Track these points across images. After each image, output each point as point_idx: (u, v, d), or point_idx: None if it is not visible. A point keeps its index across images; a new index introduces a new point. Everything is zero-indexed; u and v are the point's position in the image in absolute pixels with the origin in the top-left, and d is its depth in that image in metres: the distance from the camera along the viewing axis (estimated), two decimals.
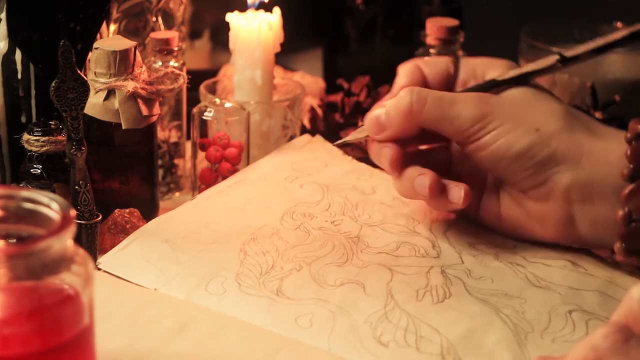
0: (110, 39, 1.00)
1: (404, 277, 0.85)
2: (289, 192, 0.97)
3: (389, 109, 0.88)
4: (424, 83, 0.91)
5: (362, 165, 1.03)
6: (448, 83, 0.92)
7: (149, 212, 1.01)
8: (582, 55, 0.87)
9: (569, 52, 0.87)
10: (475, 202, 0.91)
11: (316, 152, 1.05)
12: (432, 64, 0.92)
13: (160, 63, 1.08)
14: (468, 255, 0.88)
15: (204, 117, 1.06)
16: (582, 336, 0.79)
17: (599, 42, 0.87)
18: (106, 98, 0.96)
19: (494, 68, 0.90)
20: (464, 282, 0.85)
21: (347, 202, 0.96)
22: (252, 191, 0.98)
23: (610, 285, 0.85)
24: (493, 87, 0.88)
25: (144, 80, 0.97)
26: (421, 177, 0.87)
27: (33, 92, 0.98)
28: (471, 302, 0.82)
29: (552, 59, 0.88)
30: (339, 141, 0.94)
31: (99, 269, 0.86)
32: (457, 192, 0.87)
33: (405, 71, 0.92)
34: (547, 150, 0.85)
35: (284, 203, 0.95)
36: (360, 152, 1.08)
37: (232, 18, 1.11)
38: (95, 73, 0.96)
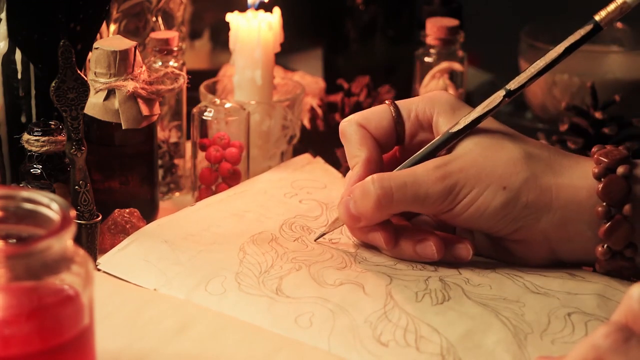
0: (110, 39, 1.00)
1: (403, 281, 0.85)
2: (289, 205, 0.97)
3: (358, 203, 0.86)
4: (373, 142, 0.89)
5: None
6: (396, 132, 0.90)
7: (149, 212, 1.01)
8: (527, 83, 0.87)
9: (513, 84, 0.87)
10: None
11: (316, 173, 1.05)
12: (374, 120, 0.90)
13: (160, 63, 1.08)
14: (465, 268, 0.88)
15: (204, 117, 1.06)
16: (581, 337, 0.79)
17: (539, 64, 0.86)
18: (106, 98, 0.96)
19: (437, 112, 0.89)
20: (463, 288, 0.85)
21: None
22: (252, 202, 0.98)
23: (608, 289, 0.85)
24: (448, 142, 0.87)
25: (144, 80, 0.97)
26: (423, 244, 0.88)
27: (33, 92, 0.98)
28: (470, 305, 0.82)
29: (498, 95, 0.87)
30: (318, 235, 0.91)
31: (99, 269, 0.86)
32: (465, 250, 0.88)
33: (353, 139, 0.89)
34: (519, 205, 0.85)
35: (284, 214, 0.95)
36: None
37: (232, 18, 1.11)
38: (95, 73, 0.96)
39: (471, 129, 0.87)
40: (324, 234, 0.91)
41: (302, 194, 1.00)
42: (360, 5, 1.32)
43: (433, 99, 0.90)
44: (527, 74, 0.87)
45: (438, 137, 0.88)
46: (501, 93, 0.87)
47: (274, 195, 0.99)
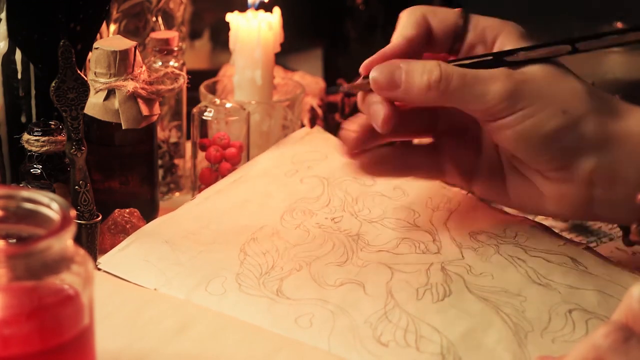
0: (110, 39, 1.00)
1: (404, 275, 0.85)
2: (289, 187, 0.97)
3: (412, 74, 0.83)
4: (428, 34, 0.86)
5: None
6: (454, 39, 0.87)
7: (149, 212, 1.01)
8: (594, 48, 0.84)
9: (583, 46, 0.84)
10: (480, 179, 0.89)
11: (315, 143, 1.04)
12: (441, 17, 0.86)
13: (160, 63, 1.08)
14: (469, 249, 0.88)
15: (204, 117, 1.06)
16: (582, 336, 0.79)
17: (612, 38, 0.84)
18: (106, 98, 0.96)
19: (504, 34, 0.86)
20: (464, 279, 0.84)
21: (347, 195, 0.96)
22: (252, 189, 0.97)
23: (609, 284, 0.85)
24: (503, 64, 0.84)
25: (144, 80, 0.97)
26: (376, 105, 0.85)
27: (33, 92, 0.98)
28: (471, 301, 0.82)
29: (564, 48, 0.84)
30: (336, 88, 0.88)
31: (99, 269, 0.86)
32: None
33: (410, 20, 0.86)
34: (574, 134, 0.82)
35: (284, 200, 0.95)
36: None
37: (232, 18, 1.11)
38: (95, 73, 0.96)
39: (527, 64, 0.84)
40: (343, 90, 0.89)
41: (303, 169, 0.99)
42: (360, 5, 1.32)
43: (506, 23, 0.87)
44: (600, 43, 0.84)
45: (489, 57, 0.85)
46: (567, 48, 0.84)
47: (274, 176, 0.98)
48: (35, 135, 0.92)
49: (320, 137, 1.06)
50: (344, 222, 0.92)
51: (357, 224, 0.92)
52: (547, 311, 0.81)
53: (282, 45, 1.12)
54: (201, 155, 1.06)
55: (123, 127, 0.96)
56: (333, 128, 1.15)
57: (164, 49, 1.08)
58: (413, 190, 0.96)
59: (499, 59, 0.84)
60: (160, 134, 1.10)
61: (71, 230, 0.65)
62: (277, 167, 1.00)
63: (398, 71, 0.83)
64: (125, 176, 1.00)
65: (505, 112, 0.82)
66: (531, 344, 0.78)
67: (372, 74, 0.84)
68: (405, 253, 0.87)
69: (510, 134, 0.83)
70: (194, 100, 1.10)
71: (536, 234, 0.90)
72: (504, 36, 0.86)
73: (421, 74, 0.82)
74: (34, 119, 0.98)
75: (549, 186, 0.85)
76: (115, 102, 0.96)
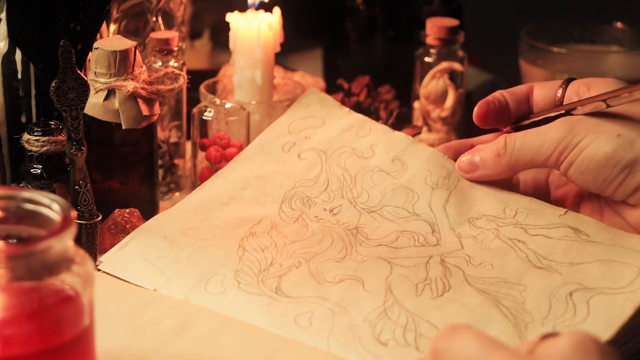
0: (110, 39, 1.00)
1: (404, 269, 0.84)
2: (287, 165, 0.96)
3: (485, 151, 0.92)
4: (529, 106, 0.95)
5: (360, 117, 1.01)
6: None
7: (149, 212, 1.00)
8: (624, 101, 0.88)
9: (614, 102, 0.88)
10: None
11: (312, 107, 1.02)
12: (546, 91, 0.94)
13: (160, 63, 1.08)
14: (468, 237, 0.88)
15: (204, 117, 1.06)
16: (583, 317, 0.79)
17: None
18: (106, 98, 0.96)
19: (594, 90, 0.91)
20: (464, 272, 0.84)
21: (346, 174, 0.95)
22: (249, 170, 0.96)
23: (613, 249, 0.85)
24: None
25: (144, 80, 0.97)
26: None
27: (33, 92, 0.98)
28: (471, 295, 0.82)
29: (600, 105, 0.88)
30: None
31: (99, 270, 0.86)
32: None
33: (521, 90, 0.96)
34: (631, 153, 0.86)
35: (283, 184, 0.94)
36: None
37: (232, 18, 1.11)
38: (95, 73, 0.96)
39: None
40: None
41: (300, 140, 0.98)
42: (360, 5, 1.32)
43: (597, 80, 0.93)
44: (632, 96, 0.87)
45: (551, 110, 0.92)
46: (602, 106, 0.88)
47: (272, 152, 0.97)
48: (35, 135, 0.92)
49: (316, 99, 1.03)
50: (343, 213, 0.92)
51: (356, 215, 0.91)
52: (547, 298, 0.81)
53: (282, 45, 1.12)
54: (201, 155, 1.06)
55: (123, 127, 0.96)
56: None
57: (164, 49, 1.08)
58: (412, 163, 0.95)
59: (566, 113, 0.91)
60: (160, 134, 1.10)
61: (72, 231, 0.65)
62: (275, 139, 0.99)
63: (475, 153, 0.93)
64: (125, 176, 1.00)
65: (565, 153, 0.87)
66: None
67: (457, 164, 0.94)
68: (405, 247, 0.87)
69: (574, 171, 0.88)
70: (194, 100, 1.10)
71: (536, 209, 0.90)
72: (594, 91, 0.91)
73: (491, 149, 0.91)
74: (34, 119, 0.98)
75: (631, 213, 0.89)
76: (115, 102, 0.96)
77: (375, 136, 0.98)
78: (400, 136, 0.98)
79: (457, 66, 1.17)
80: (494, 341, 0.63)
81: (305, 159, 0.96)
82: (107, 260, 0.88)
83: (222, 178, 0.96)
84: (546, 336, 0.65)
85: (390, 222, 0.90)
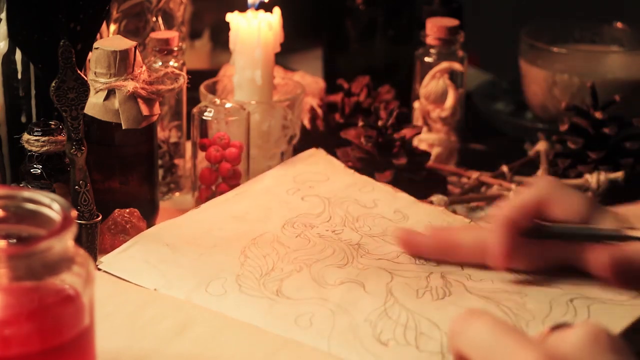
0: (110, 39, 1.00)
1: (404, 279, 0.85)
2: (290, 204, 0.98)
3: None
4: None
5: (364, 177, 1.03)
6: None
7: (149, 212, 1.00)
8: None
9: None
10: None
11: (318, 165, 1.04)
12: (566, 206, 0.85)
13: (160, 63, 1.08)
14: (468, 266, 0.88)
15: (204, 117, 1.06)
16: (584, 320, 0.79)
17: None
18: (106, 98, 0.96)
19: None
20: (465, 285, 0.84)
21: (348, 215, 0.96)
22: (254, 202, 0.98)
23: None
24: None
25: (144, 80, 0.97)
26: None
27: (33, 92, 0.98)
28: (471, 299, 0.82)
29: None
30: None
31: (99, 269, 0.86)
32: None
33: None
34: None
35: (285, 214, 0.96)
36: (360, 152, 1.08)
37: (232, 18, 1.11)
38: (95, 73, 0.96)
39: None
40: None
41: (305, 189, 1.00)
42: (360, 5, 1.32)
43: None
44: None
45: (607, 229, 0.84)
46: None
47: (276, 194, 0.99)
48: (35, 135, 0.92)
49: (323, 159, 1.06)
50: (345, 234, 0.92)
51: (358, 236, 0.92)
52: (548, 302, 0.81)
53: (282, 45, 1.12)
54: (201, 155, 1.06)
55: (123, 127, 0.96)
56: (333, 128, 1.15)
57: (164, 49, 1.08)
58: (413, 215, 0.96)
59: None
60: (160, 134, 1.10)
61: (72, 231, 0.65)
62: (279, 185, 1.00)
63: None
64: (125, 176, 1.00)
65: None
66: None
67: None
68: (406, 263, 0.88)
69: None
70: (194, 100, 1.10)
71: None
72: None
73: None
74: (34, 119, 0.98)
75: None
76: (115, 102, 0.96)
77: (378, 193, 1.00)
78: (403, 195, 1.00)
79: (457, 66, 1.17)
80: (508, 327, 0.64)
81: (308, 202, 0.98)
82: (107, 262, 0.88)
83: (225, 205, 0.97)
84: (558, 327, 0.65)
85: (392, 245, 0.91)
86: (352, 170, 1.04)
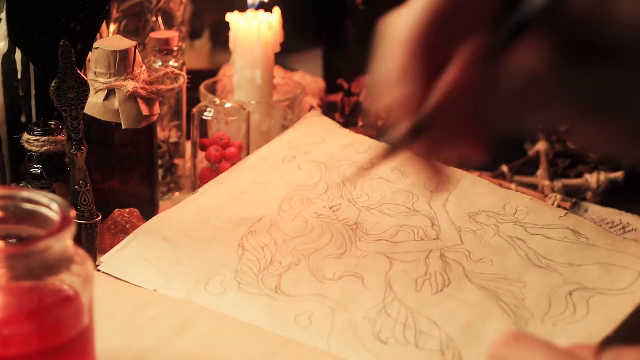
0: (110, 39, 1.00)
1: (403, 265, 0.85)
2: (287, 175, 0.97)
3: None
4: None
5: (360, 137, 1.01)
6: None
7: (149, 212, 1.00)
8: None
9: None
10: None
11: (313, 127, 1.03)
12: None
13: (160, 63, 1.08)
14: (468, 232, 0.88)
15: (204, 117, 1.06)
16: (583, 316, 0.79)
17: None
18: (106, 98, 0.96)
19: None
20: (464, 267, 0.84)
21: (346, 180, 0.95)
22: (250, 178, 0.97)
23: (612, 254, 0.85)
24: None
25: (144, 80, 0.97)
26: None
27: (33, 92, 0.98)
28: (471, 290, 0.82)
29: None
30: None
31: (99, 270, 0.86)
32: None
33: None
34: None
35: (283, 189, 0.95)
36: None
37: (232, 18, 1.11)
38: (95, 73, 0.96)
39: None
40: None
41: (300, 155, 0.99)
42: (360, 5, 1.32)
43: None
44: None
45: None
46: None
47: (272, 164, 0.98)
48: (35, 135, 0.92)
49: (317, 120, 1.05)
50: (343, 210, 0.92)
51: (356, 212, 0.92)
52: (547, 296, 0.81)
53: (282, 45, 1.12)
54: (201, 155, 1.06)
55: (123, 127, 0.96)
56: None
57: (164, 49, 1.08)
58: (412, 176, 0.95)
59: None
60: (160, 134, 1.10)
61: (71, 231, 0.65)
62: (275, 154, 0.99)
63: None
64: (125, 176, 1.00)
65: None
66: (532, 331, 0.78)
67: None
68: (404, 241, 0.87)
69: None
70: (194, 100, 1.10)
71: (536, 208, 0.90)
72: None
73: None
74: (34, 119, 0.98)
75: None
76: (115, 102, 0.96)
77: (375, 152, 0.98)
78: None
79: None
80: (559, 350, 0.62)
81: (305, 170, 0.97)
82: (107, 261, 0.88)
83: (222, 185, 0.97)
84: (605, 343, 0.63)
85: (390, 217, 0.91)
86: (347, 130, 1.03)
